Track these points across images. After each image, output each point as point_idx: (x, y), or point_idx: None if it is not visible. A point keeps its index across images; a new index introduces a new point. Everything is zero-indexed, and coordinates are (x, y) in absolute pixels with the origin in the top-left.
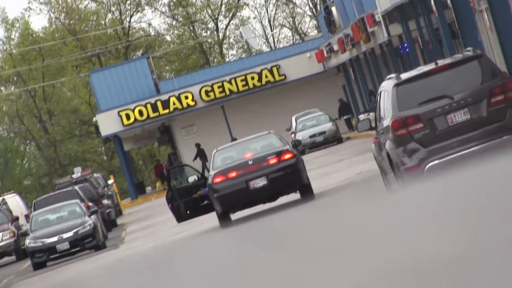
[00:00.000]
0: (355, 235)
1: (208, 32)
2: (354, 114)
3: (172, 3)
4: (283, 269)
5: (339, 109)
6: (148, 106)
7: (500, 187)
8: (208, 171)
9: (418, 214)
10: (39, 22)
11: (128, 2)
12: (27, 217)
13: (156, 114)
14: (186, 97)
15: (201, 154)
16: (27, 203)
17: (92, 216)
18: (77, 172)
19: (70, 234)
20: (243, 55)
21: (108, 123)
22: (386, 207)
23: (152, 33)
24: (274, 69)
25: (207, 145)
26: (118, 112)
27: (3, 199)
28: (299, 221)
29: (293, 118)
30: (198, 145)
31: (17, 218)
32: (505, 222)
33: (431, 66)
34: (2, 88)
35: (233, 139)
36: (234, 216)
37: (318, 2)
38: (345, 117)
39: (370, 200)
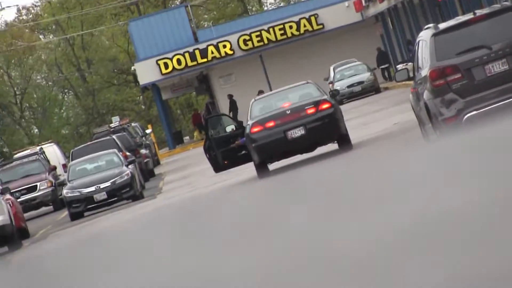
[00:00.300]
0: (392, 186)
1: None
2: (392, 64)
3: None
4: (317, 220)
5: (377, 58)
6: (186, 55)
7: None
8: (237, 122)
9: (454, 166)
10: None
11: None
12: (64, 166)
13: (194, 63)
14: (224, 46)
15: (232, 106)
16: (64, 153)
17: (130, 166)
18: (115, 122)
19: (107, 184)
20: (281, 4)
21: (147, 72)
22: (423, 158)
23: None
24: (312, 18)
25: (246, 95)
26: (156, 61)
27: (41, 148)
28: (337, 172)
29: (331, 68)
30: (230, 96)
31: (54, 168)
32: None
33: (469, 16)
34: (41, 36)
35: (260, 92)
36: (272, 166)
37: None
38: (382, 66)
39: (408, 151)
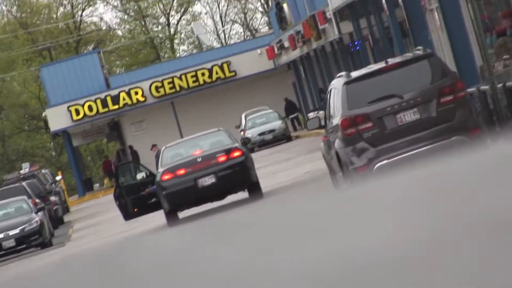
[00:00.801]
0: (303, 231)
1: (160, 27)
2: (303, 112)
3: None
4: (232, 262)
5: (285, 108)
6: (98, 101)
7: (448, 187)
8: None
9: (366, 211)
10: None
11: None
12: None
13: (106, 109)
14: (136, 93)
15: (133, 157)
16: None
17: (39, 213)
18: (25, 168)
19: (16, 231)
20: (194, 51)
21: (58, 118)
22: (334, 204)
23: (104, 28)
24: (225, 65)
25: (157, 142)
26: (68, 107)
27: None
28: (247, 219)
29: (243, 116)
30: (130, 147)
31: None
32: (448, 222)
33: (381, 64)
34: None
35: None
36: (181, 215)
37: None
38: (291, 116)
39: (318, 198)
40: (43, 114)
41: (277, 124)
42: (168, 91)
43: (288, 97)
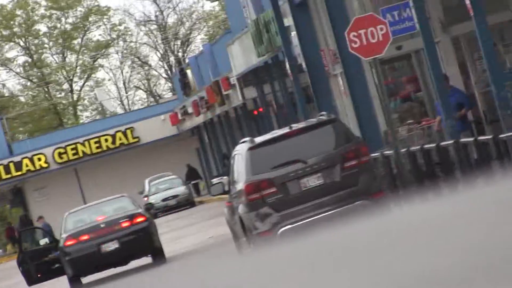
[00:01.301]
0: None
1: (63, 93)
2: (203, 178)
3: (27, 64)
4: None
5: (186, 174)
6: (1, 167)
7: (349, 251)
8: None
9: (268, 276)
10: None
11: None
12: None
13: (9, 175)
14: (39, 159)
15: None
16: None
17: None
18: None
19: None
20: (98, 117)
21: None
22: (236, 269)
23: (6, 94)
24: (128, 132)
25: (60, 208)
26: None
27: None
28: (150, 284)
29: (146, 181)
30: (24, 216)
31: None
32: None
33: (285, 130)
34: None
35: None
36: (85, 280)
37: (173, 65)
38: (192, 182)
39: (221, 263)
40: None
41: (180, 189)
42: (71, 157)
43: (190, 164)
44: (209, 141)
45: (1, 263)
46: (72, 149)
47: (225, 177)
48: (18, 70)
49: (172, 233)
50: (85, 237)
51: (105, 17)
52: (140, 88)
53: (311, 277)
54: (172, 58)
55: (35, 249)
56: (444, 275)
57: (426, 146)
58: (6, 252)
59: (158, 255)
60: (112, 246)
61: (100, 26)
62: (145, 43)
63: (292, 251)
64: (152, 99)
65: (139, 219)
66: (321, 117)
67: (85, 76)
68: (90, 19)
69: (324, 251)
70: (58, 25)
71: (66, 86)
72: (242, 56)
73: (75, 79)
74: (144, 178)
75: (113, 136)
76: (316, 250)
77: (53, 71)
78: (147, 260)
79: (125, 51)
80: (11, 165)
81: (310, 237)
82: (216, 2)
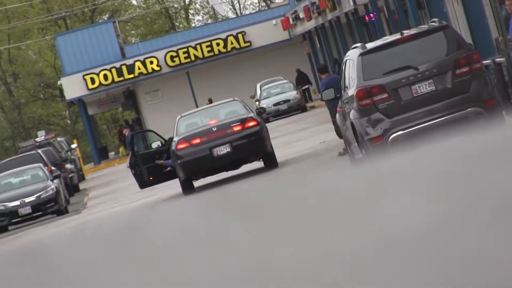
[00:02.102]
0: (322, 205)
1: None
2: (313, 83)
3: None
4: (250, 235)
5: (296, 79)
6: (113, 70)
7: (463, 159)
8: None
9: (384, 186)
10: None
11: None
12: None
13: (121, 78)
14: (151, 62)
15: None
16: None
17: (55, 181)
18: (41, 136)
19: (32, 198)
20: (209, 21)
21: (73, 86)
22: (349, 177)
23: None
24: (240, 36)
25: (172, 111)
26: (83, 76)
27: None
28: (265, 189)
29: (258, 86)
30: (126, 122)
31: None
32: (468, 194)
33: (396, 36)
34: None
35: (209, 100)
36: (197, 183)
37: None
38: (303, 87)
39: (333, 169)
40: (58, 83)
41: (292, 94)
42: (183, 60)
43: (300, 68)
44: (320, 46)
45: (113, 165)
46: (184, 52)
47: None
48: None
49: (283, 138)
50: (197, 141)
51: None
52: None
53: (420, 189)
54: None
55: (147, 152)
56: None
57: None
58: (118, 154)
59: (269, 159)
60: (224, 149)
61: None
62: None
63: (404, 159)
64: (263, 4)
65: (251, 123)
66: (432, 23)
67: None
68: None
69: (437, 160)
70: None
71: None
72: None
73: None
74: (255, 82)
75: (225, 40)
76: (428, 160)
77: None
78: (258, 164)
79: None
80: (124, 67)
81: (421, 144)
82: None
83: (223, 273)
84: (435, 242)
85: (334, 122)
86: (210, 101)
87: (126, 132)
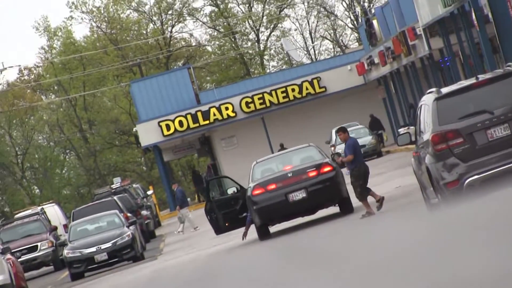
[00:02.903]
0: (397, 253)
1: (249, 43)
2: (385, 129)
3: (213, 14)
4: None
5: (370, 124)
6: (189, 116)
7: None
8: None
9: (458, 235)
10: (80, 31)
11: (170, 12)
12: (65, 227)
13: (196, 124)
14: (227, 108)
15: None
16: (65, 213)
17: (131, 227)
18: (117, 183)
19: (108, 244)
20: (284, 67)
21: (148, 133)
22: (426, 225)
23: (193, 44)
24: (315, 81)
25: (247, 157)
26: (158, 123)
27: (42, 209)
28: (340, 236)
29: (333, 131)
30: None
31: (55, 228)
32: None
33: (471, 80)
34: (42, 96)
35: (281, 145)
36: (272, 229)
37: (359, 15)
38: (376, 132)
39: (410, 216)
40: (134, 130)
41: (367, 139)
42: (258, 106)
43: (373, 114)
44: (395, 91)
45: (189, 211)
46: (259, 98)
47: (411, 127)
48: (205, 20)
49: None
50: (272, 186)
51: None
52: (326, 38)
53: (497, 233)
54: (358, 8)
55: (223, 197)
56: None
57: None
58: (194, 200)
59: (345, 204)
60: (300, 195)
61: None
62: None
63: (480, 206)
64: (338, 49)
65: (326, 169)
66: (508, 67)
67: (271, 26)
68: None
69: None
70: None
71: (252, 36)
72: (428, 6)
73: (262, 29)
74: (330, 128)
75: (300, 86)
76: (503, 204)
77: (239, 21)
78: (334, 209)
79: (311, 1)
80: (199, 114)
81: (496, 189)
82: None
83: None
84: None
85: (353, 183)
86: (282, 146)
87: (175, 187)
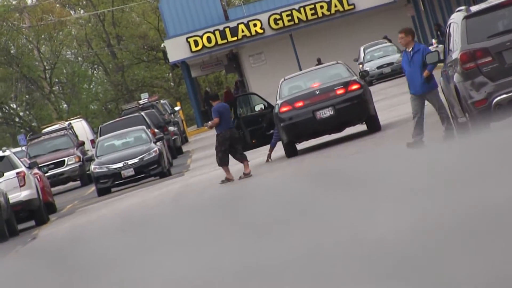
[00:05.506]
0: (423, 175)
1: None
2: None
3: None
4: (350, 206)
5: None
6: (217, 33)
7: None
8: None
9: (483, 160)
10: None
11: None
12: (92, 142)
13: (225, 41)
14: (255, 25)
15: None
16: (93, 128)
17: (158, 143)
18: (144, 98)
19: (135, 160)
20: None
21: (176, 49)
22: (451, 147)
23: None
24: None
25: (275, 74)
26: (187, 39)
27: (70, 124)
28: (368, 155)
29: (361, 49)
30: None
31: (83, 143)
32: None
33: None
34: (71, 11)
35: (318, 60)
36: (299, 146)
37: None
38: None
39: (434, 131)
40: (162, 45)
41: (395, 57)
42: (286, 23)
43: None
44: (424, 10)
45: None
46: (288, 15)
47: (440, 45)
48: None
49: (386, 101)
50: (300, 104)
51: None
52: None
53: None
54: None
55: (250, 114)
56: None
57: None
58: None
59: (372, 122)
60: (327, 113)
61: None
62: None
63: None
64: None
65: (354, 86)
66: None
67: None
68: None
69: None
70: None
71: None
72: None
73: None
74: (359, 45)
75: (329, 3)
76: None
77: None
78: (361, 127)
79: None
80: (227, 30)
81: None
82: None
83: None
84: None
85: (216, 147)
86: (319, 61)
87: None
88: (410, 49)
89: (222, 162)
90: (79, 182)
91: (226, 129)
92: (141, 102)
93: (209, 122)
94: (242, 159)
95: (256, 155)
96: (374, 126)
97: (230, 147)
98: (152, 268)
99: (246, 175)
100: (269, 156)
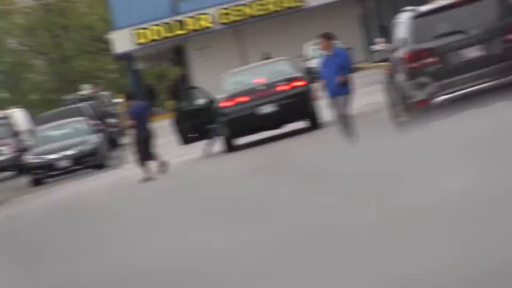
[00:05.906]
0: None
1: None
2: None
3: None
4: (291, 197)
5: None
6: (164, 25)
7: (506, 124)
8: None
9: (431, 153)
10: None
11: None
12: (31, 132)
13: (171, 34)
14: (204, 19)
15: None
16: (33, 118)
17: (97, 135)
18: (85, 89)
19: (72, 151)
20: None
21: (122, 41)
22: (392, 141)
23: None
24: None
25: (220, 69)
26: (133, 30)
27: (7, 113)
28: (306, 148)
29: (307, 45)
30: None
31: (20, 133)
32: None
33: (448, 0)
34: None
35: (263, 54)
36: (238, 142)
37: None
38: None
39: (375, 129)
40: (106, 36)
41: None
42: (235, 18)
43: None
44: (372, 8)
45: (158, 120)
46: (237, 10)
47: (385, 45)
48: None
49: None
50: (241, 99)
51: None
52: None
53: (462, 156)
54: None
55: (191, 108)
56: None
57: None
58: (164, 109)
59: (313, 120)
60: (269, 108)
61: None
62: None
63: (447, 124)
64: None
65: (298, 83)
66: None
67: None
68: None
69: (478, 125)
70: None
71: None
72: None
73: None
74: (305, 42)
75: None
76: (472, 129)
77: None
78: (302, 124)
79: None
80: (174, 23)
81: (465, 109)
82: None
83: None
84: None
85: (133, 148)
86: (267, 57)
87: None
88: (331, 52)
89: (139, 162)
90: (16, 172)
91: (141, 130)
92: (82, 93)
93: (129, 121)
94: (151, 160)
95: (196, 149)
96: (316, 123)
97: (146, 147)
98: (92, 256)
99: (147, 179)
100: (207, 150)
